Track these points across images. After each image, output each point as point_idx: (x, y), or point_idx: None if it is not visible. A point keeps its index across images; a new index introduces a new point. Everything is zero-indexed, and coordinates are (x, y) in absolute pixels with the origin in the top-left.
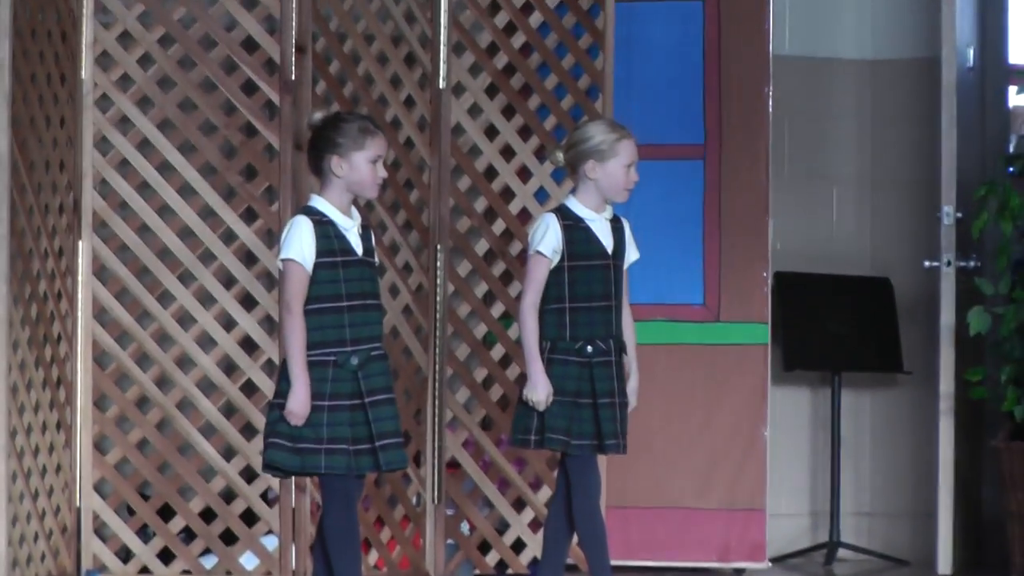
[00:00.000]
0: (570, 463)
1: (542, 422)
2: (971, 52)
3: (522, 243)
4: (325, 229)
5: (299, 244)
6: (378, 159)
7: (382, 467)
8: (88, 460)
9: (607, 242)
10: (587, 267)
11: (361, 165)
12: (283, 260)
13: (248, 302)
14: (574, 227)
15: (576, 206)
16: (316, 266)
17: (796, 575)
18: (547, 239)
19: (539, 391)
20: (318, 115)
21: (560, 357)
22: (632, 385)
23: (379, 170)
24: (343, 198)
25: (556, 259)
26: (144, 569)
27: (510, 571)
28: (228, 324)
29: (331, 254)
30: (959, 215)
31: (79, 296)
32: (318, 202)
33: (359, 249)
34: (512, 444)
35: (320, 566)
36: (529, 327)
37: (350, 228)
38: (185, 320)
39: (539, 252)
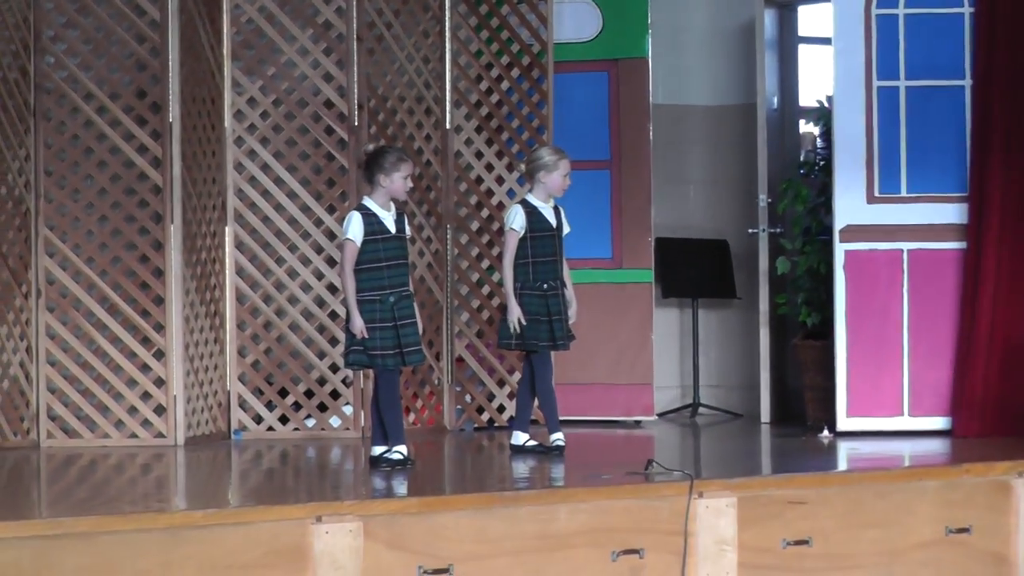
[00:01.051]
0: (535, 357)
1: (521, 333)
2: (775, 99)
3: (499, 223)
4: (370, 219)
5: (352, 229)
6: (407, 176)
7: (406, 364)
8: (234, 361)
9: (552, 221)
10: (541, 237)
11: (397, 180)
12: (343, 239)
13: (331, 262)
14: (533, 212)
15: (533, 199)
16: (365, 241)
17: (672, 424)
18: (517, 220)
19: (513, 314)
20: (370, 147)
21: (528, 292)
22: (573, 308)
23: (407, 183)
24: (384, 199)
25: (522, 232)
26: (270, 428)
27: (496, 423)
28: (319, 275)
29: (373, 234)
30: (769, 200)
31: (226, 259)
32: (367, 201)
33: (392, 229)
34: (498, 347)
35: (376, 423)
36: (507, 274)
37: (386, 217)
38: (292, 274)
39: (512, 228)
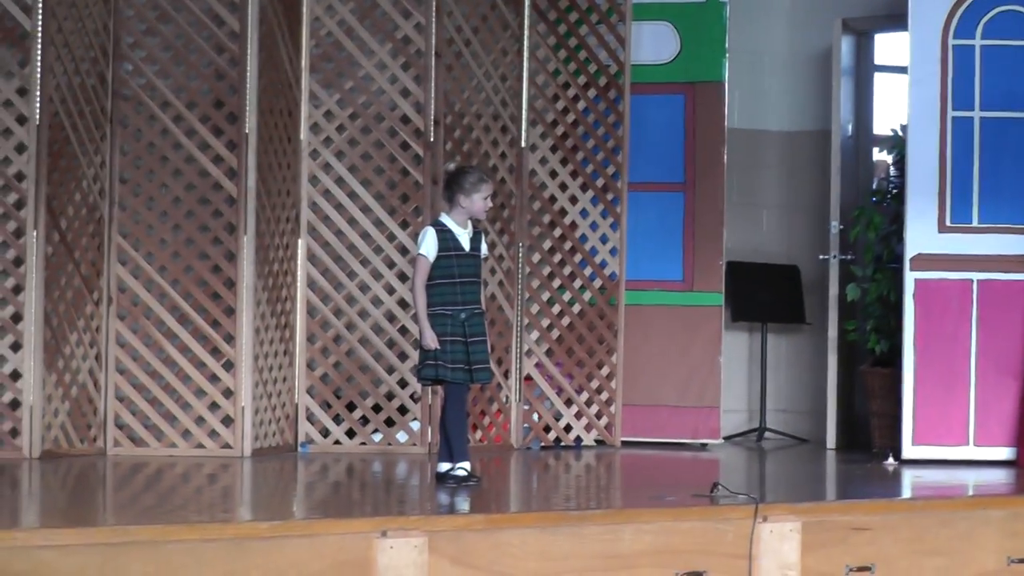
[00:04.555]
0: None
1: None
2: (850, 126)
3: (571, 243)
4: (444, 235)
5: (425, 244)
6: (487, 197)
7: (474, 381)
8: (303, 374)
9: None
10: None
11: (477, 201)
12: (416, 254)
13: (403, 277)
14: None
15: None
16: (439, 257)
17: (738, 448)
18: None
19: None
20: (452, 166)
21: None
22: None
23: (487, 204)
24: (462, 218)
25: None
26: (336, 442)
27: (562, 443)
28: (390, 290)
29: (448, 251)
30: (841, 227)
31: (298, 272)
32: (444, 218)
33: (467, 247)
34: None
35: (442, 440)
36: None
37: (461, 235)
38: (364, 288)
39: None
